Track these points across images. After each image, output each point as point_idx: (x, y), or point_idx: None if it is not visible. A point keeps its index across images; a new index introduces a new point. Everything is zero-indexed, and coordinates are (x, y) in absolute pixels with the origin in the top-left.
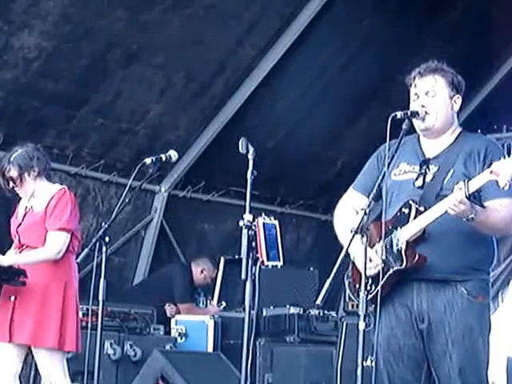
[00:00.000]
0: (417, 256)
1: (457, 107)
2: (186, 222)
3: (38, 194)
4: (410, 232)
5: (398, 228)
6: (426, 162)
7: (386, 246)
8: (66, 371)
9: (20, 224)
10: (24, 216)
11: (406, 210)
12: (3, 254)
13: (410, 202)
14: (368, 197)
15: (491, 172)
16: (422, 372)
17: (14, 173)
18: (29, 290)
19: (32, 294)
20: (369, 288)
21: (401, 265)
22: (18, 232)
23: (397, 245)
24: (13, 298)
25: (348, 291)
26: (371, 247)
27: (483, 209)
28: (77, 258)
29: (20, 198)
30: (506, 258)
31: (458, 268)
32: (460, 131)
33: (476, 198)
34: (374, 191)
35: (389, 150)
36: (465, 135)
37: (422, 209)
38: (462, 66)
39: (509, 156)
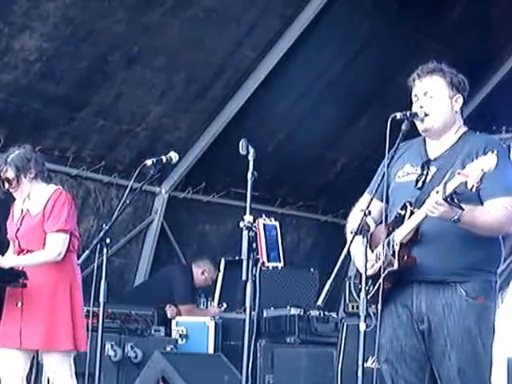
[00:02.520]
0: (405, 257)
1: (458, 107)
2: (186, 223)
3: (34, 195)
4: (402, 233)
5: (396, 229)
6: (427, 163)
7: (384, 248)
8: (73, 372)
9: (18, 229)
10: (22, 220)
11: (402, 212)
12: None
13: (407, 203)
14: (376, 198)
15: (459, 173)
16: (425, 373)
17: (10, 174)
18: (36, 294)
19: (39, 297)
20: (367, 288)
21: (393, 266)
22: (17, 237)
23: (393, 246)
24: (19, 305)
25: (354, 293)
26: (374, 249)
27: (463, 210)
28: (78, 259)
29: (14, 199)
30: (506, 258)
31: (456, 269)
32: (465, 131)
33: (453, 199)
34: (374, 192)
35: (394, 151)
36: (468, 135)
37: (415, 210)
38: (462, 66)
39: (509, 155)
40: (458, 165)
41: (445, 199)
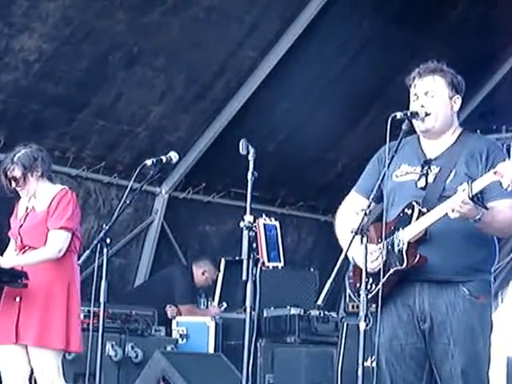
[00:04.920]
0: (417, 256)
1: (456, 107)
2: (186, 223)
3: (40, 194)
4: (412, 233)
5: (400, 229)
6: (427, 163)
7: (387, 246)
8: (61, 372)
9: (21, 225)
10: (25, 217)
11: (409, 211)
12: (2, 256)
13: (413, 203)
14: (369, 198)
15: (495, 173)
16: (423, 372)
17: (17, 173)
18: (33, 291)
19: (36, 294)
20: (369, 287)
21: (401, 265)
22: (19, 233)
23: (398, 245)
24: (18, 299)
25: (349, 291)
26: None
27: (487, 210)
28: (78, 259)
29: (19, 198)
30: (504, 257)
31: (460, 269)
32: (461, 131)
33: (479, 199)
34: (374, 192)
35: (389, 151)
36: (466, 136)
37: (424, 210)
38: (462, 66)
39: (509, 156)
40: (462, 165)
41: (471, 198)
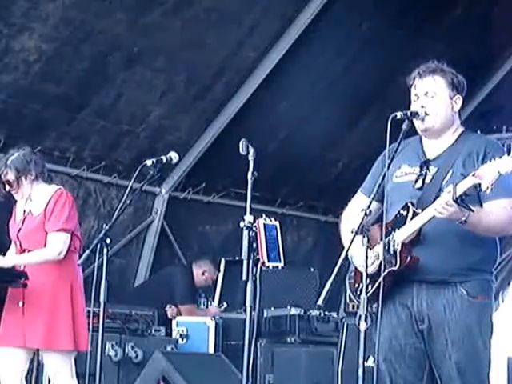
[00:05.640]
0: (409, 257)
1: (457, 107)
2: (186, 223)
3: (35, 196)
4: (405, 234)
5: (396, 230)
6: (426, 163)
7: (384, 247)
8: (74, 371)
9: (20, 229)
10: (23, 220)
11: (404, 212)
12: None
13: (409, 204)
14: (373, 198)
15: (473, 175)
16: (424, 372)
17: (10, 176)
18: (36, 293)
19: (40, 296)
20: (366, 287)
21: (394, 265)
22: (18, 237)
23: (393, 246)
24: (21, 304)
25: (349, 292)
26: (372, 248)
27: (472, 212)
28: (78, 258)
29: (16, 200)
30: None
31: (456, 270)
32: (462, 131)
33: (464, 201)
34: (375, 191)
35: (390, 151)
36: (466, 135)
37: (418, 211)
38: (462, 66)
39: (508, 154)
40: (459, 165)
41: (455, 200)
